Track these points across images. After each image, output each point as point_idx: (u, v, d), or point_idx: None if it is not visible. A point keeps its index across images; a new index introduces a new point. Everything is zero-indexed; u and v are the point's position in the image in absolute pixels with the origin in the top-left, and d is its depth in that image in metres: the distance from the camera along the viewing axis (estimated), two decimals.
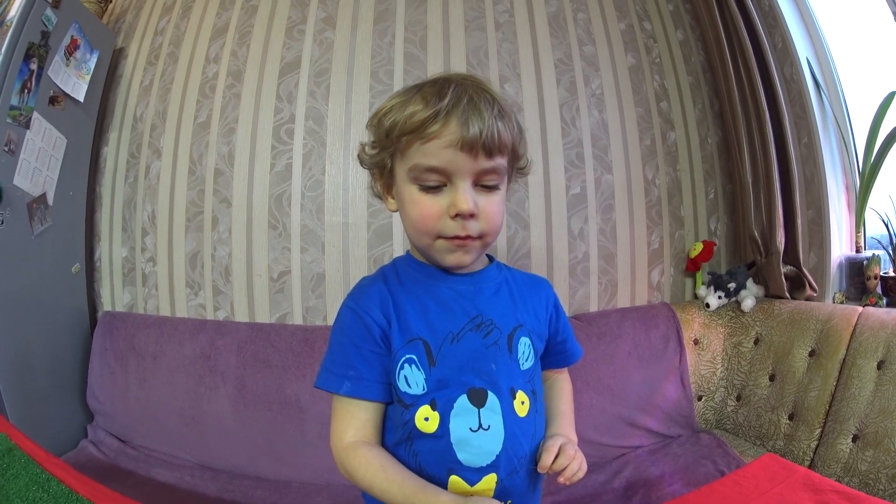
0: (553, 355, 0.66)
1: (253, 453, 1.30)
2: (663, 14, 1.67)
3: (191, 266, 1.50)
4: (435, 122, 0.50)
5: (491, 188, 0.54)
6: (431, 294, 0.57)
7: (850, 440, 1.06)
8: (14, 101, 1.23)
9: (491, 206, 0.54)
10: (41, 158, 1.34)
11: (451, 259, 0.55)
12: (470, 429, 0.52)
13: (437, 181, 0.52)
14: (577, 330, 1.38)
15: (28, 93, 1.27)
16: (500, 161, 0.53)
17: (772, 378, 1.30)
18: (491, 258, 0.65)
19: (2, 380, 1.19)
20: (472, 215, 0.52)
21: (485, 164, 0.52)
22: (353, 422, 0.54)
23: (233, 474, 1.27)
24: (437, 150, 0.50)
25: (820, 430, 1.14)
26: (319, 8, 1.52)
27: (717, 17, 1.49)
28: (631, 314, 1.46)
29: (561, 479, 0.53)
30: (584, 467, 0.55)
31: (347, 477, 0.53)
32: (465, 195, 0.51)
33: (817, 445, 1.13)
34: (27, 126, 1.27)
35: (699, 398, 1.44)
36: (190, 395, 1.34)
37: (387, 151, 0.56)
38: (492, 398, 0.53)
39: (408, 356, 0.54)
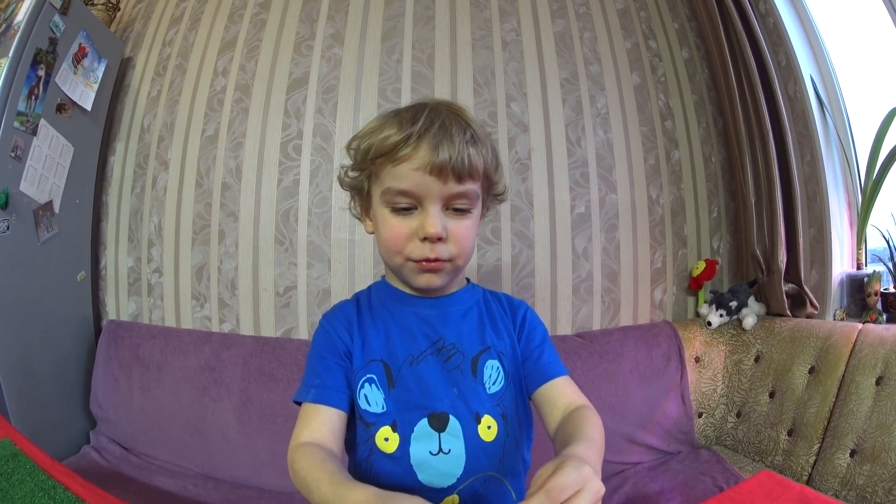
0: (528, 374, 0.62)
1: (256, 465, 1.30)
2: (669, 32, 1.68)
3: (197, 278, 1.51)
4: (406, 145, 0.51)
5: (462, 212, 0.55)
6: (395, 318, 0.59)
7: (847, 455, 1.08)
8: (21, 106, 1.23)
9: (461, 229, 0.55)
10: (48, 165, 1.34)
11: (421, 281, 0.56)
12: (430, 452, 0.53)
13: (407, 203, 0.53)
14: (580, 348, 1.39)
15: (35, 99, 1.28)
16: (471, 186, 0.54)
17: (772, 395, 1.32)
18: (467, 280, 0.65)
19: (6, 384, 1.20)
20: (439, 238, 0.53)
21: (455, 188, 0.53)
22: (311, 424, 0.53)
23: (236, 485, 1.28)
24: (408, 173, 0.52)
25: (818, 445, 1.15)
26: (328, 24, 1.53)
27: (721, 36, 1.50)
28: (633, 332, 1.47)
29: None
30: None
31: (291, 475, 0.52)
32: (433, 219, 0.52)
33: (815, 461, 1.14)
34: (34, 133, 1.28)
35: (699, 415, 1.45)
36: (194, 405, 1.35)
37: (364, 174, 0.57)
38: (453, 422, 0.54)
39: (368, 375, 0.56)
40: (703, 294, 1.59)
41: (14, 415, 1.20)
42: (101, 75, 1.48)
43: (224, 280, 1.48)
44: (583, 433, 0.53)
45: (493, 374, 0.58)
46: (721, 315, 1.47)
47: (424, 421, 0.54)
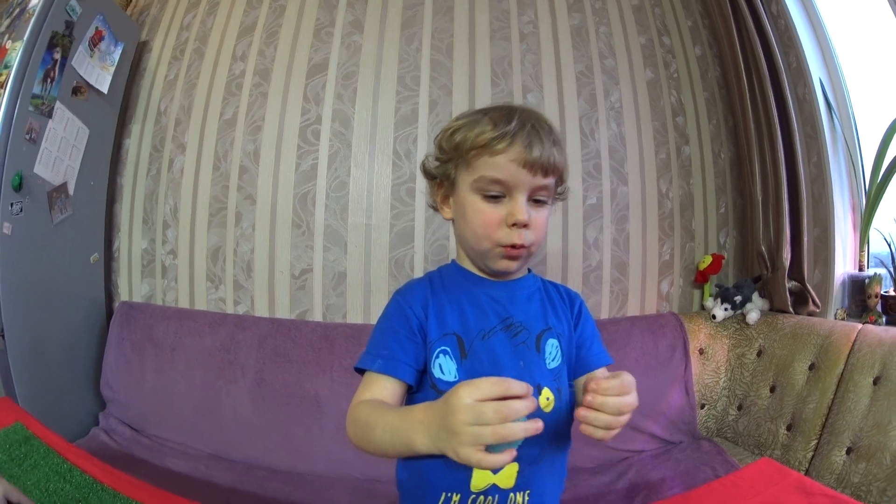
0: (580, 360, 0.68)
1: (269, 446, 1.33)
2: (682, 30, 1.71)
3: (212, 260, 1.52)
4: (503, 140, 0.57)
5: (541, 203, 0.61)
6: (469, 297, 0.64)
7: (844, 452, 1.10)
8: (36, 89, 1.24)
9: (540, 218, 0.61)
10: (63, 148, 1.35)
11: (501, 265, 0.61)
12: None
13: (498, 191, 0.59)
14: None
15: (51, 82, 1.28)
16: (551, 181, 0.61)
17: (772, 389, 1.34)
18: (529, 270, 0.71)
19: (16, 366, 1.20)
20: (525, 225, 0.58)
21: (541, 181, 0.58)
22: (374, 389, 0.57)
23: (248, 465, 1.30)
24: (504, 164, 0.57)
25: (816, 441, 1.17)
26: (347, 11, 1.54)
27: (734, 35, 1.52)
28: (640, 323, 1.50)
29: (581, 413, 0.48)
30: (622, 420, 0.47)
31: (350, 425, 0.55)
32: (522, 206, 0.58)
33: (813, 456, 1.17)
34: (49, 115, 1.28)
35: (702, 406, 1.48)
36: (209, 386, 1.37)
37: (452, 163, 0.62)
38: None
39: (443, 347, 0.60)
40: (709, 288, 1.62)
41: (23, 396, 1.21)
42: (117, 58, 1.48)
43: (240, 262, 1.50)
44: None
45: (552, 352, 0.62)
46: (726, 309, 1.50)
47: None
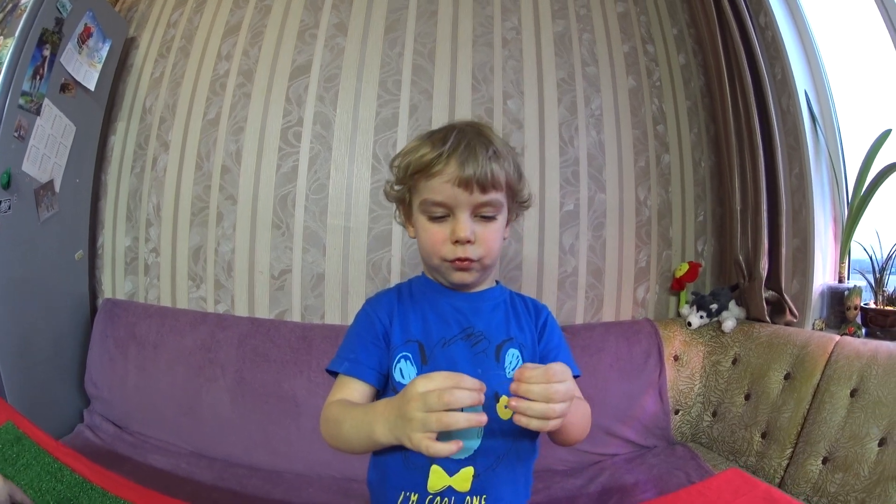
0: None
1: (248, 444, 1.34)
2: (667, 38, 1.71)
3: (193, 259, 1.54)
4: (438, 162, 0.60)
5: (488, 219, 0.63)
6: (433, 306, 0.67)
7: (819, 462, 1.10)
8: (26, 86, 1.23)
9: (488, 233, 0.63)
10: (50, 145, 1.35)
11: (455, 277, 0.65)
12: None
13: (441, 212, 0.62)
14: None
15: (40, 79, 1.28)
16: (495, 196, 0.62)
17: (747, 397, 1.35)
18: (497, 281, 0.74)
19: (3, 362, 1.21)
20: (468, 241, 0.61)
21: (480, 198, 0.61)
22: (344, 391, 0.62)
23: (228, 463, 1.31)
24: (440, 186, 0.60)
25: (791, 450, 1.18)
26: (332, 13, 1.55)
27: (719, 45, 1.53)
28: (615, 329, 1.52)
29: (512, 403, 0.48)
30: (555, 408, 0.47)
31: (323, 424, 0.60)
32: (463, 224, 0.61)
33: (788, 464, 1.17)
34: (38, 113, 1.28)
35: (676, 412, 1.50)
36: (189, 384, 1.38)
37: (405, 187, 0.66)
38: None
39: (404, 353, 0.64)
40: (685, 295, 1.63)
41: (10, 393, 1.21)
42: (105, 55, 1.48)
43: (221, 262, 1.51)
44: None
45: (512, 361, 0.64)
46: (701, 317, 1.51)
47: None
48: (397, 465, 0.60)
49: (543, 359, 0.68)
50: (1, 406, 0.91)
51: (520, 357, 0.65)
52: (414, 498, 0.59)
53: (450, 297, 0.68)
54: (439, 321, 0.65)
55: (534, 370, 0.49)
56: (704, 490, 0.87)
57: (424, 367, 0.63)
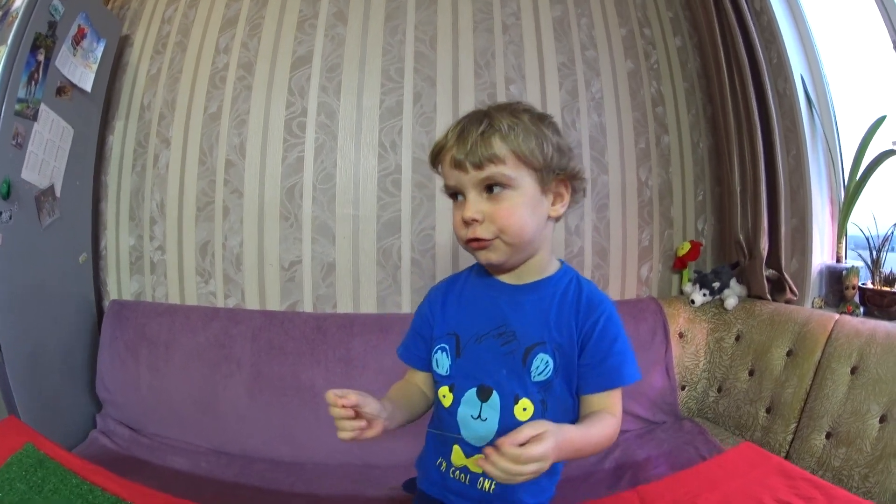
0: (584, 377, 0.65)
1: (268, 437, 1.34)
2: (663, 20, 1.73)
3: (201, 255, 1.53)
4: (444, 149, 0.64)
5: (499, 195, 0.60)
6: (476, 299, 0.70)
7: (823, 437, 1.12)
8: (21, 93, 1.20)
9: (499, 210, 0.60)
10: (49, 150, 1.32)
11: (480, 258, 0.65)
12: (471, 415, 0.65)
13: (457, 196, 0.65)
14: None
15: (35, 84, 1.25)
16: (496, 170, 0.58)
17: (751, 373, 1.38)
18: (561, 263, 0.70)
19: (13, 372, 1.18)
20: (474, 220, 0.61)
21: (479, 175, 0.60)
22: (407, 374, 0.76)
23: (248, 459, 1.31)
24: (447, 171, 0.64)
25: (795, 424, 1.20)
26: (331, 3, 1.54)
27: (715, 28, 1.54)
28: (621, 307, 1.47)
29: (479, 462, 0.52)
30: (524, 468, 0.49)
31: None
32: (469, 204, 0.61)
33: (792, 439, 1.20)
34: (34, 118, 1.25)
35: (682, 388, 1.53)
36: (205, 382, 1.37)
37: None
38: (495, 396, 0.64)
39: (441, 345, 0.69)
40: (688, 273, 1.67)
41: (22, 405, 1.19)
42: (100, 55, 1.45)
43: (229, 256, 1.51)
44: (585, 422, 0.61)
45: (540, 367, 0.63)
46: (704, 294, 1.54)
47: (473, 390, 0.66)
48: (435, 440, 0.71)
49: (581, 366, 0.63)
50: (17, 426, 0.87)
51: (549, 363, 0.63)
52: (444, 465, 0.69)
53: (494, 289, 0.67)
54: (478, 315, 0.68)
55: (510, 449, 0.48)
56: (721, 464, 0.90)
57: (458, 360, 0.67)
